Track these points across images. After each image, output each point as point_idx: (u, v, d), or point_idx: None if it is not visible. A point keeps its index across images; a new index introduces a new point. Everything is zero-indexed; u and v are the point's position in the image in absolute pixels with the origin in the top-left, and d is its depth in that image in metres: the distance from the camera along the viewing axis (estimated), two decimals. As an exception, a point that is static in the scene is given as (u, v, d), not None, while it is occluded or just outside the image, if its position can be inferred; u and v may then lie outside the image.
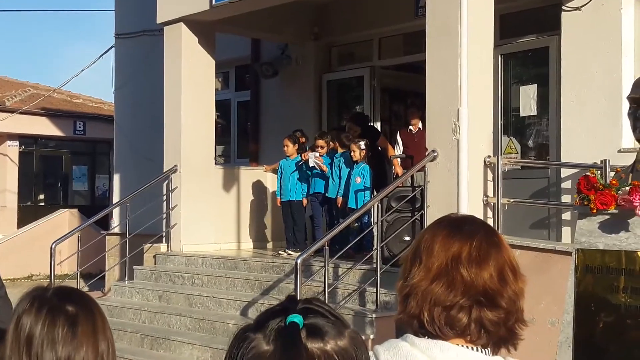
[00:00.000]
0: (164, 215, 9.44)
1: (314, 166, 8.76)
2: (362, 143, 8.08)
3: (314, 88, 10.74)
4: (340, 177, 8.42)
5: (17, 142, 19.13)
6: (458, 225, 1.70)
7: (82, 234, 12.96)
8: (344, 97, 10.99)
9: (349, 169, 8.31)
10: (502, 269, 1.64)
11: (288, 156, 9.17)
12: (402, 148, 9.00)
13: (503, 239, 1.72)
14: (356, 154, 8.09)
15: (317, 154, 8.75)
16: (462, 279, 1.61)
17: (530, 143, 8.55)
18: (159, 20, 9.49)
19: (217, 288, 8.23)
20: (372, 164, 8.47)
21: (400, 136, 9.05)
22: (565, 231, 7.35)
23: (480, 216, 6.69)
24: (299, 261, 6.25)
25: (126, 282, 9.10)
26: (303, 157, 8.93)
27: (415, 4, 9.16)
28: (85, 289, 11.89)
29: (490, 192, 6.71)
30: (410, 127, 8.84)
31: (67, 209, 18.85)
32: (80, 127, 19.80)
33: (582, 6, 7.62)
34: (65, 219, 17.64)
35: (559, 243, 6.44)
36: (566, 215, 7.34)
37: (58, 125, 19.20)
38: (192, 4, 9.04)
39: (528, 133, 8.57)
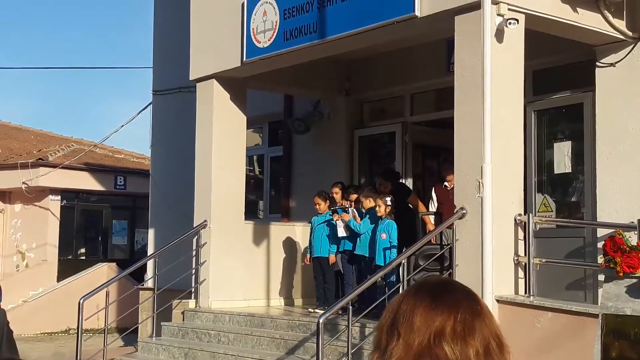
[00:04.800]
0: (193, 271, 9.39)
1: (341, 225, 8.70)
2: (388, 199, 7.97)
3: (346, 143, 10.71)
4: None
5: (59, 196, 19.47)
6: (439, 294, 1.55)
7: (118, 288, 13.11)
8: (375, 153, 10.93)
9: (373, 225, 8.18)
10: (487, 343, 1.50)
11: (320, 213, 9.08)
12: (436, 204, 8.85)
13: (485, 306, 1.58)
14: (381, 210, 7.97)
15: (349, 212, 8.64)
16: (446, 358, 1.46)
17: (566, 201, 8.32)
18: (192, 77, 9.63)
19: (242, 346, 8.08)
20: (403, 222, 8.32)
21: (435, 192, 8.91)
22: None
23: (511, 276, 6.48)
24: (321, 320, 6.10)
25: (154, 338, 9.02)
26: (335, 218, 8.82)
27: (447, 60, 9.12)
28: (120, 343, 11.91)
29: (521, 251, 6.50)
30: (446, 184, 8.69)
31: (106, 263, 19.04)
32: (121, 181, 20.09)
33: (616, 62, 7.49)
34: (103, 273, 17.80)
35: (592, 306, 6.16)
36: (602, 277, 7.05)
37: (99, 180, 19.52)
38: (223, 60, 9.16)
39: (563, 190, 8.35)
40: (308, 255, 9.17)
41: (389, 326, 1.55)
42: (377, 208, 8.01)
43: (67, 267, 19.24)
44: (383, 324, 1.58)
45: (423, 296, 1.55)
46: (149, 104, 13.43)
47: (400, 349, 1.49)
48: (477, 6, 6.51)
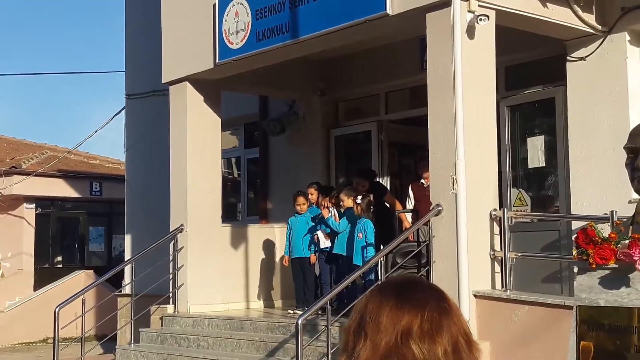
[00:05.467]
0: (171, 276, 9.32)
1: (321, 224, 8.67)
2: (359, 197, 7.96)
3: (322, 143, 10.70)
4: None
5: (34, 204, 19.25)
6: (405, 292, 1.53)
7: (96, 295, 12.97)
8: (352, 152, 10.93)
9: (343, 224, 8.19)
10: (456, 341, 1.48)
11: (298, 213, 9.04)
12: (413, 202, 8.87)
13: (454, 304, 1.56)
14: (357, 209, 7.97)
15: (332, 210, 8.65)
16: (414, 357, 1.44)
17: (540, 195, 8.38)
18: (165, 79, 9.56)
19: (222, 350, 8.03)
20: (380, 221, 8.33)
21: (412, 190, 8.93)
22: (578, 285, 7.11)
23: (488, 270, 6.51)
24: (300, 321, 6.08)
25: (132, 345, 8.93)
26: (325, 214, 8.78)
27: (420, 58, 9.14)
28: (99, 350, 11.78)
29: (497, 246, 6.54)
30: (422, 181, 8.71)
31: (83, 271, 18.84)
32: (96, 187, 19.91)
33: (587, 56, 7.56)
34: (81, 281, 17.60)
35: (568, 298, 6.21)
36: (576, 269, 7.10)
37: (74, 187, 19.33)
38: (196, 62, 9.10)
39: (537, 185, 8.41)
40: (286, 257, 9.13)
41: (356, 327, 1.53)
42: (354, 207, 8.01)
43: (44, 275, 19.03)
44: (350, 325, 1.56)
45: (389, 295, 1.52)
46: (123, 108, 13.33)
47: (368, 349, 1.47)
48: (447, 3, 6.53)
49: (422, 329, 1.46)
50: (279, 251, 10.12)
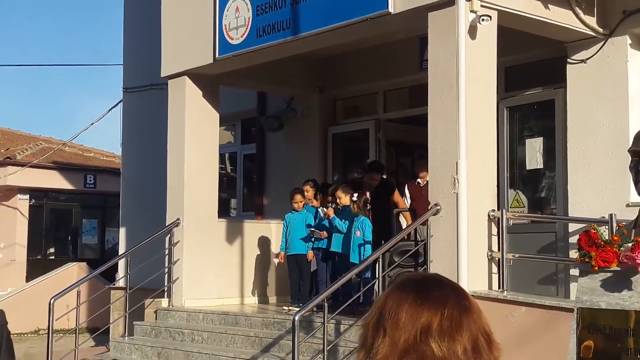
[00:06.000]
0: (166, 270, 9.30)
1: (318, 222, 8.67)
2: (355, 195, 7.96)
3: (320, 141, 10.69)
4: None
5: (28, 195, 19.18)
6: (425, 289, 1.53)
7: (89, 287, 12.91)
8: (349, 150, 10.92)
9: (347, 222, 8.17)
10: (476, 340, 1.47)
11: (295, 210, 9.02)
12: (409, 201, 8.89)
13: (474, 302, 1.56)
14: (344, 200, 7.97)
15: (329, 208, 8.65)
16: (433, 355, 1.43)
17: (538, 196, 8.39)
18: (164, 73, 9.53)
19: (217, 345, 8.02)
20: (379, 218, 8.32)
21: (408, 189, 8.95)
22: (574, 287, 7.07)
23: (485, 271, 6.52)
24: (296, 318, 6.07)
25: (126, 338, 8.91)
26: (322, 213, 8.78)
27: (420, 57, 9.15)
28: (91, 343, 11.75)
29: (495, 247, 6.54)
30: (419, 180, 8.74)
31: (76, 263, 18.80)
32: (90, 180, 19.86)
33: (587, 59, 7.57)
34: (73, 273, 17.56)
35: (565, 300, 6.23)
36: (574, 271, 7.10)
37: (69, 179, 19.27)
38: (195, 57, 9.07)
39: (535, 186, 8.42)
40: (282, 253, 9.12)
41: (375, 323, 1.52)
42: (351, 205, 7.99)
43: (36, 267, 18.97)
44: (369, 322, 1.55)
45: (409, 292, 1.52)
46: (120, 101, 13.27)
47: (386, 346, 1.46)
48: (450, 3, 6.52)
49: (441, 326, 1.45)
50: (275, 247, 10.11)
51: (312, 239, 8.83)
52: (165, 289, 9.27)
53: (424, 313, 1.47)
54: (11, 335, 2.87)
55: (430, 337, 1.44)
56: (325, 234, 8.63)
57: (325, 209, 8.72)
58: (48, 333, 8.37)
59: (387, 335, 1.47)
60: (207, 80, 9.39)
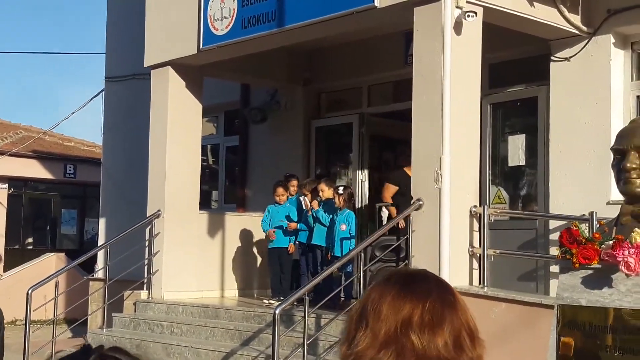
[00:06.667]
0: (146, 261, 9.23)
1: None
2: (340, 188, 7.95)
3: (303, 134, 10.65)
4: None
5: (7, 184, 18.96)
6: (409, 283, 1.52)
7: (67, 278, 12.79)
8: (332, 144, 10.90)
9: (332, 216, 8.15)
10: (458, 335, 1.46)
11: (278, 203, 8.99)
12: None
13: (460, 298, 1.54)
14: (327, 194, 7.97)
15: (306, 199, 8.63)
16: (413, 348, 1.42)
17: (519, 193, 8.43)
18: (147, 63, 9.44)
19: (196, 338, 7.99)
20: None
21: (391, 184, 8.94)
22: (553, 284, 7.17)
23: (466, 267, 6.53)
24: (277, 311, 6.05)
25: (104, 330, 8.85)
26: (310, 204, 8.73)
27: (405, 52, 9.14)
28: (68, 334, 11.66)
29: (476, 243, 6.56)
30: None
31: (54, 253, 18.61)
32: (70, 170, 19.67)
33: (571, 57, 7.60)
34: (52, 263, 17.40)
35: (545, 297, 6.26)
36: (554, 268, 7.16)
37: (48, 168, 19.07)
38: (179, 47, 9.00)
39: (516, 183, 8.45)
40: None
41: (358, 316, 1.51)
42: (335, 198, 7.98)
43: (14, 256, 18.76)
44: (352, 314, 1.54)
45: (393, 285, 1.51)
46: (101, 90, 13.15)
47: (367, 337, 1.46)
48: (436, -2, 6.52)
49: (422, 319, 1.44)
50: (257, 240, 10.08)
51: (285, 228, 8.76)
52: (145, 280, 9.21)
53: (406, 305, 1.46)
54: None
55: (411, 329, 1.43)
56: (294, 225, 8.59)
57: (306, 199, 8.69)
58: (25, 324, 8.28)
59: (368, 327, 1.47)
60: (190, 70, 9.33)
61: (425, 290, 1.49)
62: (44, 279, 8.67)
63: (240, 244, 10.06)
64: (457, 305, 1.50)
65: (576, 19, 7.36)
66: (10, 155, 17.85)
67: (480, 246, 6.47)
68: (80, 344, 1.35)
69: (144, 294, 9.15)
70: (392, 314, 1.45)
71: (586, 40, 7.45)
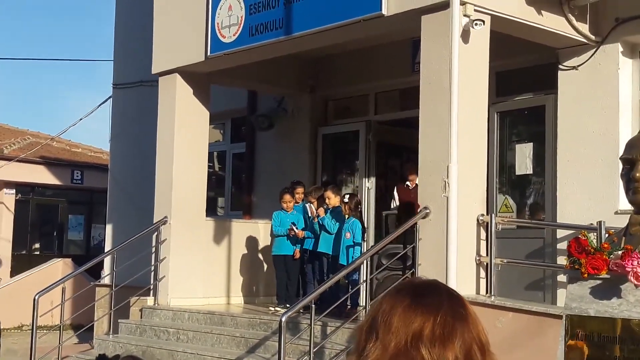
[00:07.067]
0: (152, 268, 9.24)
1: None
2: (346, 196, 7.94)
3: (310, 141, 10.65)
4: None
5: (14, 190, 19.03)
6: (420, 295, 1.50)
7: (74, 284, 12.81)
8: (339, 151, 10.90)
9: (338, 224, 8.14)
10: (469, 349, 1.44)
11: (286, 210, 8.97)
12: (397, 203, 8.90)
13: (471, 311, 1.52)
14: (333, 202, 7.95)
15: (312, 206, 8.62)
16: None
17: (526, 202, 8.40)
18: (154, 70, 9.47)
19: (202, 344, 7.98)
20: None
21: (397, 191, 8.95)
22: (561, 293, 7.14)
23: (473, 276, 6.51)
24: (283, 319, 6.04)
25: (110, 336, 8.85)
26: (316, 213, 8.72)
27: (412, 60, 9.13)
28: (75, 340, 11.66)
29: (483, 252, 6.54)
30: (408, 183, 8.76)
31: (61, 259, 18.65)
32: (77, 176, 19.73)
33: (579, 65, 7.58)
34: (58, 269, 17.43)
35: (553, 307, 6.23)
36: (562, 278, 7.13)
37: (56, 174, 19.14)
38: (187, 55, 9.02)
39: (524, 192, 8.43)
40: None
41: (368, 327, 1.50)
42: (342, 206, 7.97)
43: (21, 262, 18.82)
44: (363, 325, 1.53)
45: (404, 296, 1.50)
46: (109, 97, 13.19)
47: (377, 350, 1.44)
48: (444, 6, 6.52)
49: (433, 333, 1.43)
50: (262, 247, 10.08)
51: (287, 234, 8.73)
52: (151, 287, 9.21)
53: (417, 318, 1.44)
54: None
55: (421, 343, 1.42)
56: (301, 233, 8.57)
57: (312, 206, 8.68)
58: (32, 329, 8.30)
59: (378, 339, 1.45)
60: (198, 78, 9.35)
61: (436, 303, 1.48)
62: (51, 285, 8.69)
63: (246, 251, 10.06)
64: (469, 318, 1.48)
65: (584, 27, 7.34)
66: (18, 161, 17.92)
67: (487, 255, 6.45)
68: (96, 354, 1.36)
69: (150, 300, 9.15)
70: (403, 327, 1.44)
71: (594, 49, 7.43)
